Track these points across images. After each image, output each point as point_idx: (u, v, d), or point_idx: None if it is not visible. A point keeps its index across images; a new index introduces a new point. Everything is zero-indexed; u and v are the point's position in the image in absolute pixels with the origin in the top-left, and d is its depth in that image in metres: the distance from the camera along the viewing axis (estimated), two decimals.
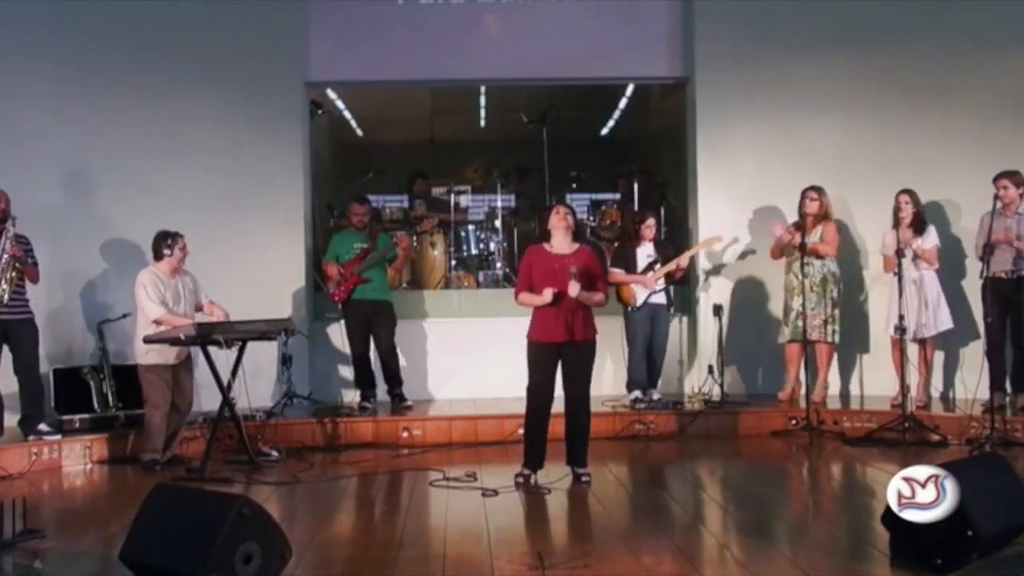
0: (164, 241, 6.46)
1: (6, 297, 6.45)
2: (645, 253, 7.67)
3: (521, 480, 5.62)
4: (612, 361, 7.96)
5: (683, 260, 7.70)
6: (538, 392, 5.65)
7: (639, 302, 7.58)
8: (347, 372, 8.05)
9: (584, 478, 5.65)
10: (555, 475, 5.68)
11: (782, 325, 7.64)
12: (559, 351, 5.60)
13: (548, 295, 5.51)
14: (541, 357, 5.61)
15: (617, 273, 7.65)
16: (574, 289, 5.48)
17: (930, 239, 7.21)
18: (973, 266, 7.31)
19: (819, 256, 7.40)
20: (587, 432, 5.75)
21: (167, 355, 6.38)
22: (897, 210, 7.15)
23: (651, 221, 7.79)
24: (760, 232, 8.04)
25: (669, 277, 7.69)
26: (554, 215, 5.72)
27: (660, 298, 7.61)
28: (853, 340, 7.97)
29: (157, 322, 6.32)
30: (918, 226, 7.19)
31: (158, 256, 6.47)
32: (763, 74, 8.19)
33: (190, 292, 6.58)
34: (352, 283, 7.63)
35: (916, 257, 7.08)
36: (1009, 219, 6.82)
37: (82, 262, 7.73)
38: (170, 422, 6.51)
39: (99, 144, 7.88)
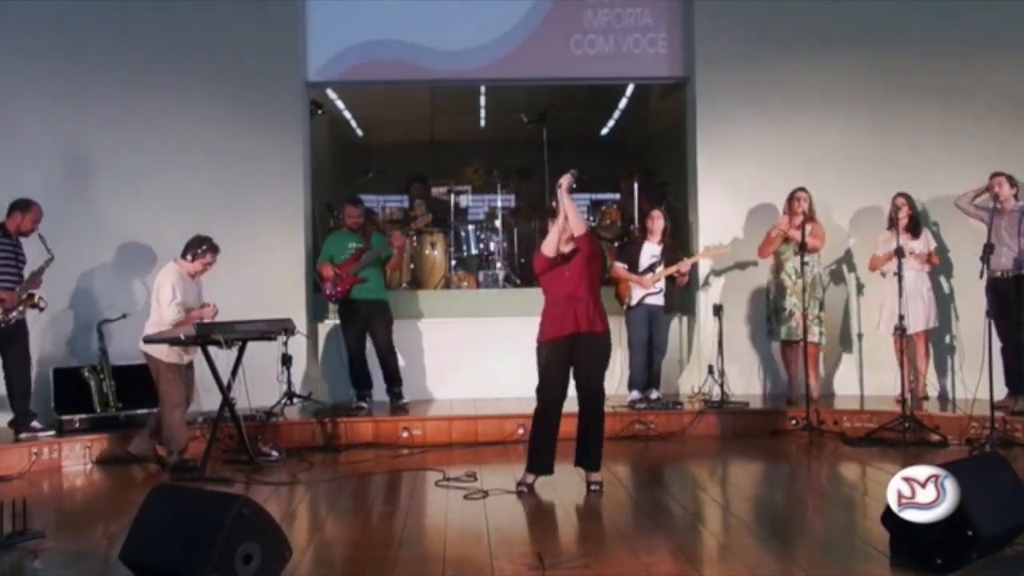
0: (197, 247, 6.38)
1: (13, 321, 6.58)
2: (650, 252, 7.60)
3: (524, 490, 5.39)
4: (612, 360, 7.92)
5: (684, 266, 7.50)
6: (550, 394, 5.39)
7: (634, 301, 7.55)
8: (346, 372, 8.04)
9: (594, 487, 5.41)
10: (558, 480, 5.55)
11: (775, 325, 7.62)
12: (570, 347, 5.36)
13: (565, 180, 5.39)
14: (552, 355, 5.36)
15: (619, 269, 7.64)
16: (567, 179, 5.38)
17: (929, 242, 7.35)
18: (976, 265, 7.29)
19: (809, 250, 7.32)
20: (601, 431, 5.47)
21: (184, 354, 6.30)
22: (895, 212, 7.19)
23: (656, 213, 7.70)
24: (760, 232, 8.02)
25: (672, 282, 7.55)
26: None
27: (658, 299, 7.54)
28: (846, 340, 7.97)
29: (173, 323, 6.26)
30: (913, 229, 7.27)
31: (184, 255, 6.40)
32: (763, 74, 8.20)
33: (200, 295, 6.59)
34: (349, 283, 7.62)
35: (911, 254, 7.12)
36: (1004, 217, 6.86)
37: (81, 262, 7.73)
38: None
39: (99, 144, 7.88)
